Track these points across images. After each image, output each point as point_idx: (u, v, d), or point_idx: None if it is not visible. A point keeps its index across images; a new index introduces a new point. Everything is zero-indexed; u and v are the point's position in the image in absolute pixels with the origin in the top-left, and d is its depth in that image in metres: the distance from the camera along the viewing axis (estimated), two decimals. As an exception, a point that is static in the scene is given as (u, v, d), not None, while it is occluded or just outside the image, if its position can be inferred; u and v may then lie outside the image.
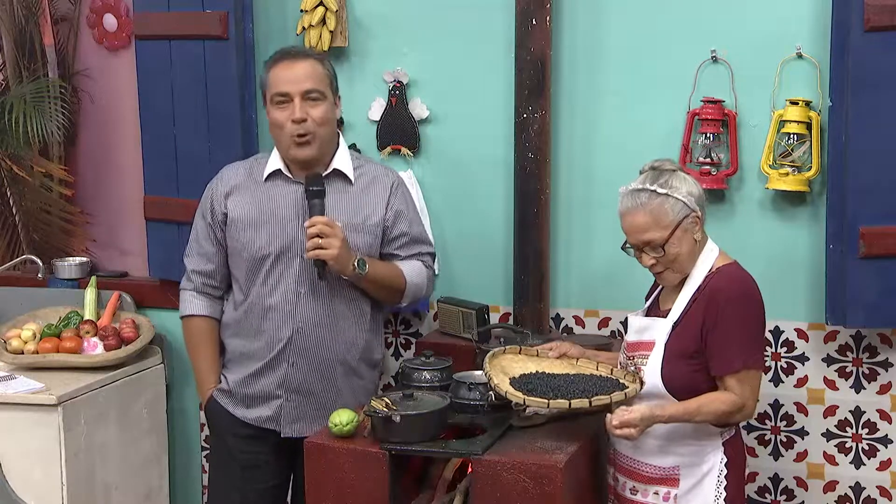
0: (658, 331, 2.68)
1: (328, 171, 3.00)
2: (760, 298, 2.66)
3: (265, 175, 3.02)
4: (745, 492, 2.79)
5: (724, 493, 2.65)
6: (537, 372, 2.75)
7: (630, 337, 2.78)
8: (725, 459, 2.67)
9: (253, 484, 3.08)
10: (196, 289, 3.13)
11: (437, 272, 3.29)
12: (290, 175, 3.01)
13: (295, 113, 2.90)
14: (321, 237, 2.85)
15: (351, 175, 3.03)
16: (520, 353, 2.86)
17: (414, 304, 3.20)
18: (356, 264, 2.91)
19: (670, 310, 2.69)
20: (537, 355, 2.86)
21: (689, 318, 2.64)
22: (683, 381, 2.62)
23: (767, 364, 3.25)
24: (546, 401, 2.59)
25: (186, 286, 3.15)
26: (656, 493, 2.69)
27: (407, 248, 3.09)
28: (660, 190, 2.61)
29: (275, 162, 3.03)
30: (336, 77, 3.04)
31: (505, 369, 2.76)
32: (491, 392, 2.69)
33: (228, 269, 3.10)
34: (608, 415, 2.57)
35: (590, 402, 2.57)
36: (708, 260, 2.68)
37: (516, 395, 2.60)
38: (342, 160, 3.03)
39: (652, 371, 2.65)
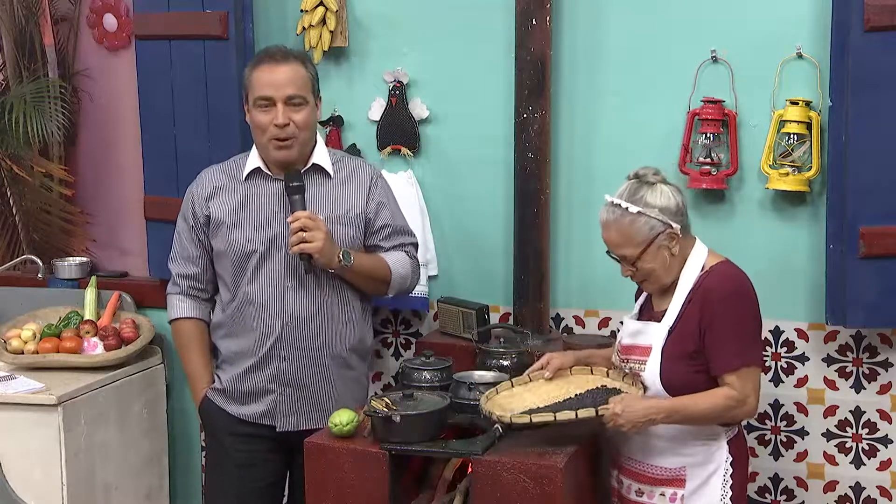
0: (654, 335, 2.67)
1: (307, 166, 3.02)
2: (754, 295, 2.65)
3: (245, 174, 3.04)
4: (747, 490, 2.78)
5: (731, 493, 2.65)
6: (538, 407, 2.70)
7: (624, 340, 2.77)
8: (731, 458, 2.66)
9: (249, 483, 3.08)
10: (182, 292, 3.15)
11: (421, 262, 3.29)
12: (269, 173, 3.02)
13: (278, 118, 2.92)
14: (305, 231, 2.87)
15: (329, 169, 3.05)
16: (512, 387, 2.81)
17: (401, 294, 3.19)
18: (341, 256, 2.93)
19: (664, 311, 2.68)
20: (530, 381, 2.82)
21: (684, 320, 2.63)
22: (683, 382, 2.61)
23: (767, 364, 3.25)
24: (553, 415, 2.57)
25: (173, 290, 3.17)
26: (662, 495, 2.68)
27: (390, 239, 3.11)
28: (631, 208, 2.60)
29: (254, 161, 3.04)
30: (318, 79, 3.05)
31: (503, 407, 2.71)
32: (497, 426, 2.64)
33: (213, 272, 3.12)
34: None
35: (596, 411, 2.56)
36: (697, 261, 2.67)
37: (522, 418, 2.58)
38: (321, 155, 3.05)
39: (651, 376, 2.64)
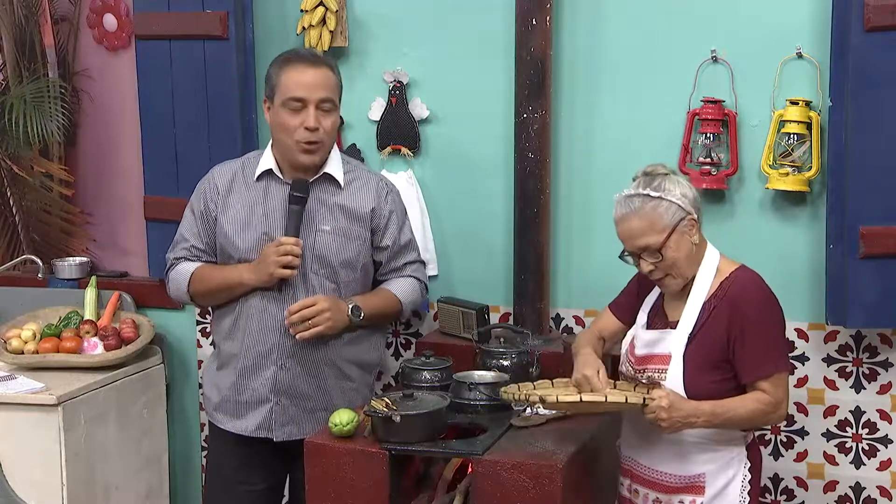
0: (672, 343, 2.61)
1: (318, 174, 2.99)
2: (777, 299, 2.63)
3: (256, 175, 3.01)
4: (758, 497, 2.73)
5: (749, 498, 2.61)
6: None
7: (638, 351, 2.70)
8: (749, 464, 2.63)
9: (247, 485, 3.08)
10: (187, 258, 3.08)
11: (427, 280, 3.25)
12: (280, 177, 3.00)
13: (309, 121, 2.88)
14: (309, 318, 2.88)
15: (341, 180, 3.01)
16: (534, 388, 2.78)
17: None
18: (350, 314, 2.93)
19: (679, 320, 2.63)
20: (552, 385, 2.80)
21: (709, 328, 2.58)
22: (709, 391, 2.55)
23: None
24: (603, 395, 2.55)
25: (175, 262, 3.10)
26: (681, 502, 2.63)
27: (396, 257, 3.07)
28: (653, 193, 2.56)
29: (267, 161, 3.01)
30: (342, 87, 3.03)
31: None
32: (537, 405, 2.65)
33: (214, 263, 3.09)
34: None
35: (626, 399, 2.52)
36: (711, 265, 2.63)
37: (569, 396, 2.55)
38: (334, 165, 3.02)
39: (674, 384, 2.58)
